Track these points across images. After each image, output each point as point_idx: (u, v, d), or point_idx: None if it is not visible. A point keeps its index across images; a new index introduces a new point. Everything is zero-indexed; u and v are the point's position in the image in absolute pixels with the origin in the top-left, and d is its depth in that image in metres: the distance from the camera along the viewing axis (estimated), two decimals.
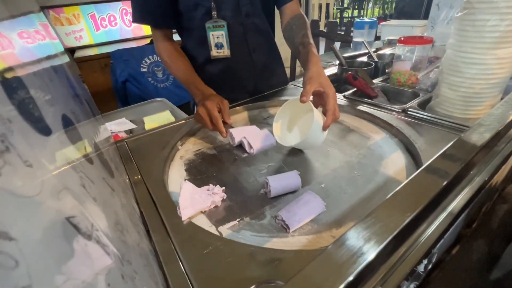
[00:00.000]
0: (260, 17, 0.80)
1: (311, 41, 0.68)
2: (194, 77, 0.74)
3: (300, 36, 0.71)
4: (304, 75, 0.58)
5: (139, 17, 0.74)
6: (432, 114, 0.64)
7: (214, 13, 0.74)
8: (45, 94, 0.20)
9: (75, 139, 0.23)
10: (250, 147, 0.59)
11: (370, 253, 0.22)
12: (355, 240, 0.23)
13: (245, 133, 0.62)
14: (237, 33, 0.78)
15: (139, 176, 0.53)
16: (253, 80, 0.89)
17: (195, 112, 0.66)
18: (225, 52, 0.80)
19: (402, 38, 0.86)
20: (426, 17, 1.52)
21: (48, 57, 0.31)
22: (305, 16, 0.78)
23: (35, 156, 0.12)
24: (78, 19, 2.16)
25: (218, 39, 0.78)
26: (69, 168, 0.17)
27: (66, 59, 0.46)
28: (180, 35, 0.84)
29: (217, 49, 0.80)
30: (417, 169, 0.52)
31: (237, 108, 0.80)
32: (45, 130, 0.15)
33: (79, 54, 2.07)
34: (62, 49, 0.47)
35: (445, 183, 0.31)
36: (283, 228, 0.41)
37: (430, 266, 0.32)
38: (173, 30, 0.80)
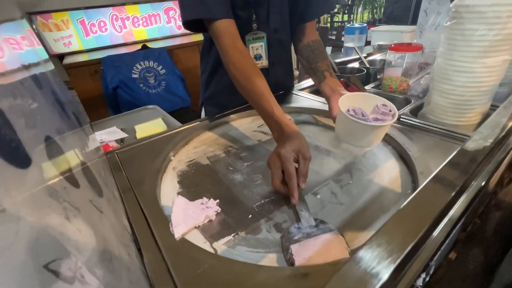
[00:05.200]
0: (286, 32, 0.80)
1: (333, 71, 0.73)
2: (274, 103, 0.57)
3: (325, 64, 0.73)
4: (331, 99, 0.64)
5: (192, 10, 0.60)
6: (424, 121, 0.64)
7: (254, 25, 0.73)
8: (24, 116, 0.19)
9: (60, 163, 0.22)
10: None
11: (384, 273, 0.22)
12: (365, 262, 0.23)
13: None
14: None
15: (130, 190, 0.52)
16: None
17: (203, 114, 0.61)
18: (263, 63, 0.80)
19: (393, 45, 0.87)
20: (413, 22, 1.55)
21: (27, 66, 0.29)
22: (323, 44, 0.80)
23: (9, 197, 0.11)
24: (67, 24, 2.12)
25: (257, 50, 0.78)
26: (51, 201, 0.15)
27: (50, 67, 0.43)
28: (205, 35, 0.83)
29: (256, 60, 0.80)
30: (412, 177, 0.52)
31: (231, 116, 0.79)
32: (23, 161, 0.14)
33: (68, 60, 2.03)
34: (47, 57, 0.45)
35: (449, 198, 0.31)
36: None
37: (427, 279, 0.32)
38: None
